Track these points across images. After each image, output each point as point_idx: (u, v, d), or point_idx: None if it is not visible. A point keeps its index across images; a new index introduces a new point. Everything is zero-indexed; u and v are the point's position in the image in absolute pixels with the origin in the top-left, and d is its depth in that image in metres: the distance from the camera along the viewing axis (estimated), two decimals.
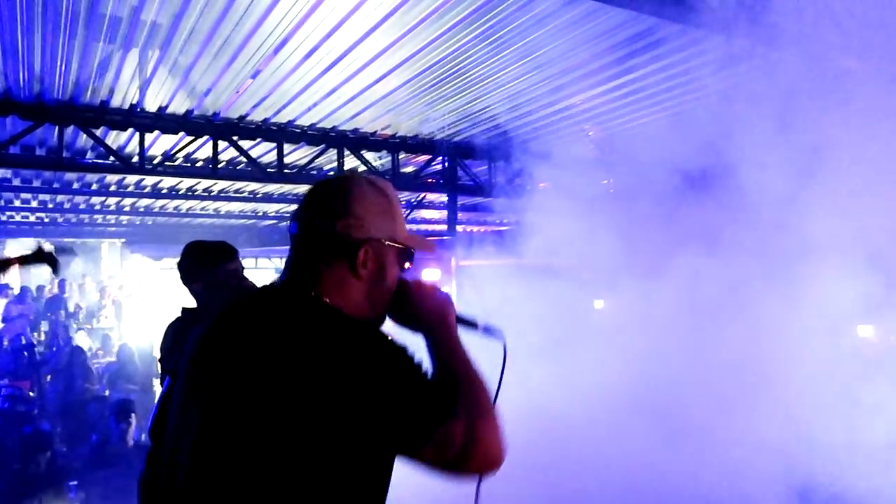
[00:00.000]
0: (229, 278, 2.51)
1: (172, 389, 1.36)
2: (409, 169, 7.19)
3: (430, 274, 5.70)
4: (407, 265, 1.38)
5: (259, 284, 2.51)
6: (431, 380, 1.22)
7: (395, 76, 4.49)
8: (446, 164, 6.73)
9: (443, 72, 4.43)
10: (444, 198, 7.56)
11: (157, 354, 2.67)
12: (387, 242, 1.32)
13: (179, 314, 2.59)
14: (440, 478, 1.19)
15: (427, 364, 1.26)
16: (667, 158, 5.04)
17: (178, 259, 2.60)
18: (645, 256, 4.96)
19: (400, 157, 6.58)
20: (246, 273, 2.60)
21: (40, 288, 13.05)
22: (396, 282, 1.35)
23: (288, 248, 1.38)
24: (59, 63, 4.12)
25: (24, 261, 3.02)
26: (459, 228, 8.71)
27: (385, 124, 5.72)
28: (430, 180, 7.05)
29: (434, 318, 1.34)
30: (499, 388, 1.33)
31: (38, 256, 3.04)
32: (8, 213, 10.51)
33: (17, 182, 7.60)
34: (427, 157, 6.72)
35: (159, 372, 2.54)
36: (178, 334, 2.48)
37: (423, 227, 9.41)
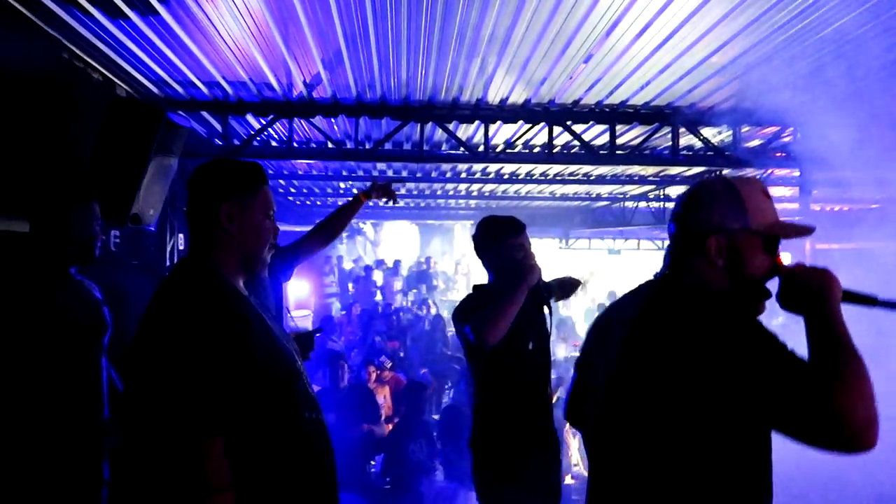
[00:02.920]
0: (515, 251, 2.74)
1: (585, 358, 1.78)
2: (754, 143, 6.55)
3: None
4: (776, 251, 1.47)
5: (538, 257, 2.76)
6: (771, 356, 1.28)
7: (737, 43, 4.13)
8: (797, 135, 5.95)
9: (794, 32, 3.93)
10: (796, 173, 6.71)
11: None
12: (740, 232, 1.44)
13: (472, 291, 2.90)
14: (813, 448, 1.22)
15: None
16: None
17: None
18: None
19: (743, 130, 6.05)
20: (532, 248, 2.81)
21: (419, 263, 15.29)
22: (765, 268, 1.45)
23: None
24: (419, 70, 4.78)
25: (367, 196, 3.46)
26: (816, 207, 7.66)
27: (725, 96, 5.30)
28: (778, 154, 6.32)
29: (811, 299, 1.36)
30: None
31: (380, 191, 3.49)
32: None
33: (390, 173, 9.01)
34: (775, 128, 6.04)
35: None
36: (471, 304, 2.76)
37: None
